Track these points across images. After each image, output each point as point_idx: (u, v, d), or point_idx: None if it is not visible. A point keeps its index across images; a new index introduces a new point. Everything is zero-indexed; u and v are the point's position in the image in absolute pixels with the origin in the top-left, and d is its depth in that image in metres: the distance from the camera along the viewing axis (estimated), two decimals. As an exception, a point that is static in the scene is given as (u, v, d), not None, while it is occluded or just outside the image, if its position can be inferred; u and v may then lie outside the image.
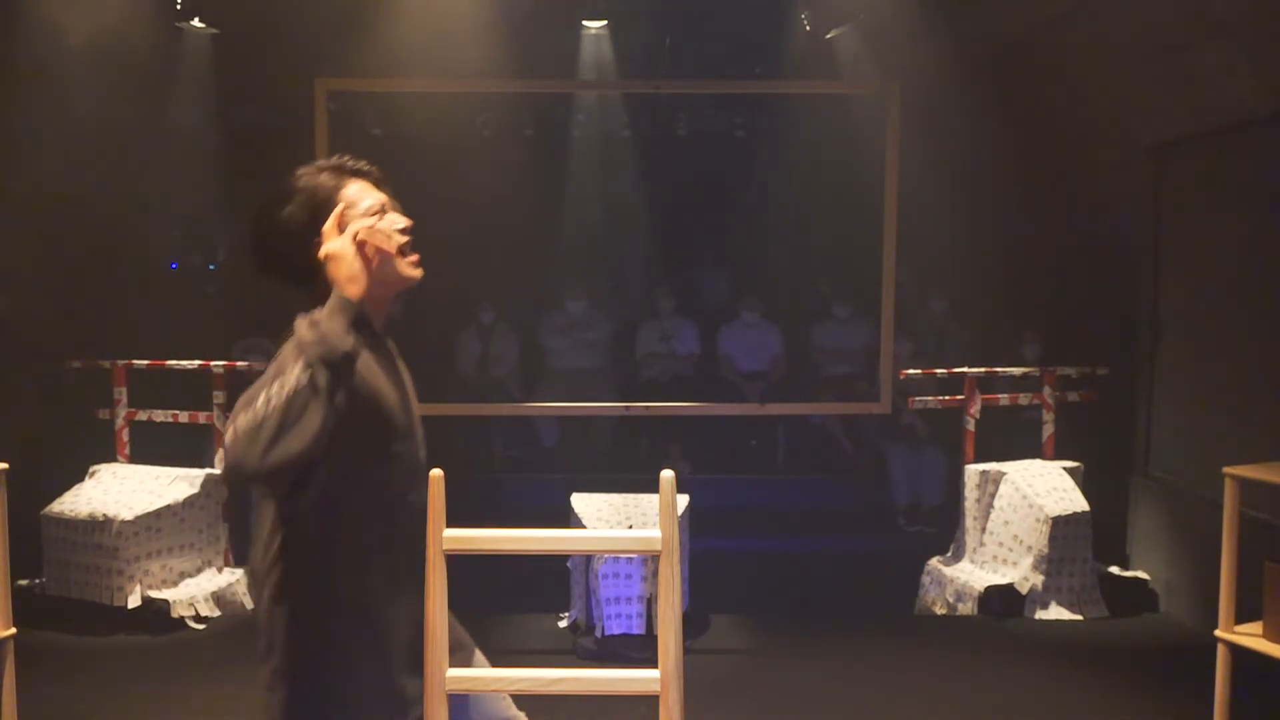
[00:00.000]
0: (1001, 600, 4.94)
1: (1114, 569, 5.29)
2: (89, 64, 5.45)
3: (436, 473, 2.21)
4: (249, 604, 5.11)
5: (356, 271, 1.73)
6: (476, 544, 2.24)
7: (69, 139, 5.69)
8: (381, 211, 1.88)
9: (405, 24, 5.70)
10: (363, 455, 1.81)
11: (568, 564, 4.83)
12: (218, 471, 5.20)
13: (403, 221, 1.88)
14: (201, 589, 4.94)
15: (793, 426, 6.91)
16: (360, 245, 1.81)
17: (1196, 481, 4.90)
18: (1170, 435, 5.29)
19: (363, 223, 1.83)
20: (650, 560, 4.40)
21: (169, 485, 4.99)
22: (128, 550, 4.70)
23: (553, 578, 4.90)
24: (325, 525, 1.79)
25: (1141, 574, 5.27)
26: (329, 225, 1.82)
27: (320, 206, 1.83)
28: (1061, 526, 4.89)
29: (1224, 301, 4.84)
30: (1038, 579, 4.92)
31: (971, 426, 5.29)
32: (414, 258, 1.90)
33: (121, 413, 5.26)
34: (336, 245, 1.74)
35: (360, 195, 1.87)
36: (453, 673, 2.19)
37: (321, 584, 1.80)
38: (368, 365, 1.84)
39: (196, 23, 6.33)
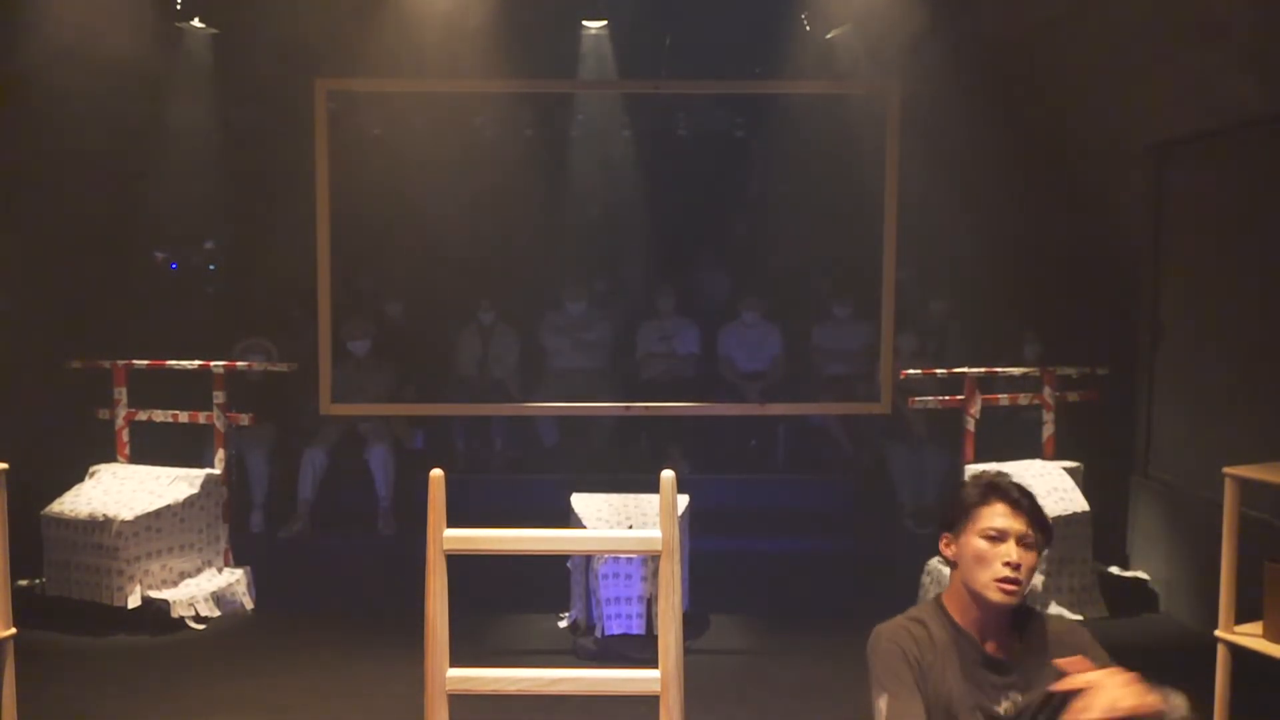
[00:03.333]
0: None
1: (1114, 569, 5.29)
2: (89, 64, 5.44)
3: (436, 473, 2.21)
4: (249, 604, 5.11)
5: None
6: (476, 544, 2.24)
7: (69, 139, 5.69)
8: (999, 539, 2.09)
9: (405, 24, 5.70)
10: None
11: (568, 564, 4.82)
12: (218, 471, 5.20)
13: (1011, 557, 2.07)
14: (201, 589, 4.93)
15: (793, 426, 6.90)
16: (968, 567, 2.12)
17: (1196, 481, 4.90)
18: (1170, 435, 5.29)
19: None
20: (650, 560, 4.40)
21: (169, 485, 4.99)
22: (128, 550, 4.70)
23: (553, 578, 4.90)
24: None
25: (1141, 574, 5.27)
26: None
27: (961, 512, 2.15)
28: (1061, 526, 4.89)
29: (1224, 301, 4.84)
30: (1038, 579, 4.92)
31: (971, 426, 5.29)
32: (1006, 586, 2.07)
33: (121, 413, 5.26)
34: None
35: (989, 519, 2.10)
36: (453, 673, 2.19)
37: None
38: (945, 664, 2.11)
39: (196, 23, 6.34)
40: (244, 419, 5.27)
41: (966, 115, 5.90)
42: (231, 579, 5.09)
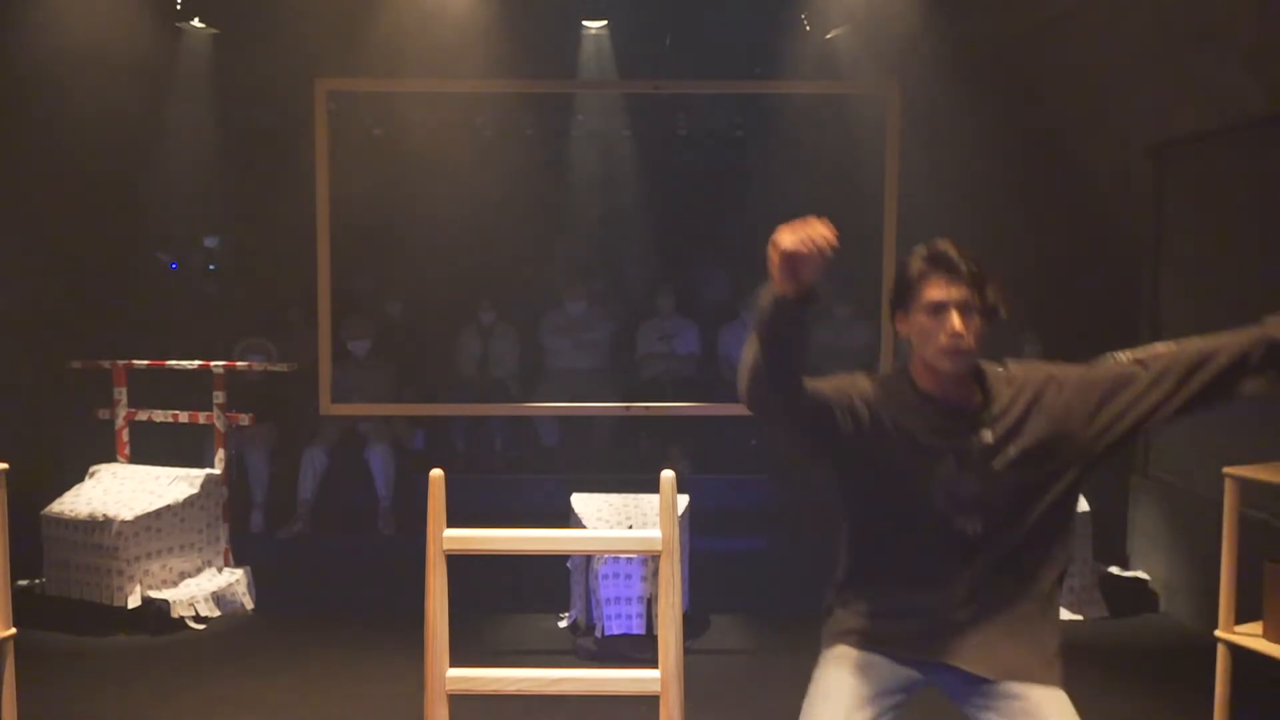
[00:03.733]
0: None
1: (1114, 569, 5.29)
2: (89, 64, 5.45)
3: (436, 473, 2.21)
4: (249, 604, 5.11)
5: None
6: (476, 544, 2.24)
7: (69, 139, 5.69)
8: (941, 311, 2.14)
9: (405, 24, 5.70)
10: (883, 471, 2.19)
11: (568, 564, 4.83)
12: (218, 471, 5.20)
13: (954, 328, 2.12)
14: (201, 589, 4.94)
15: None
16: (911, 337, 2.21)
17: (1196, 481, 4.90)
18: (1170, 435, 5.28)
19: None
20: (650, 560, 4.40)
21: (169, 485, 5.00)
22: (128, 550, 4.70)
23: (553, 578, 4.90)
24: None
25: (1141, 574, 5.27)
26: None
27: (905, 288, 2.19)
28: (1061, 526, 4.89)
29: (1224, 301, 4.83)
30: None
31: (971, 426, 5.28)
32: (953, 355, 2.15)
33: (121, 413, 5.26)
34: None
35: (930, 292, 2.15)
36: (453, 673, 2.19)
37: None
38: (900, 410, 2.17)
39: (196, 23, 6.34)
40: (244, 419, 5.27)
41: (966, 115, 5.90)
42: (231, 579, 5.09)
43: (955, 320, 2.12)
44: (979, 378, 2.25)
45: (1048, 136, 6.01)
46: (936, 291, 2.14)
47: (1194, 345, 2.15)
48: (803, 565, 5.79)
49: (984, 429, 2.19)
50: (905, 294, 2.19)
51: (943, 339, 2.13)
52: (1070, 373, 2.28)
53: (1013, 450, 2.17)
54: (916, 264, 2.18)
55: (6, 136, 5.57)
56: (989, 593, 2.16)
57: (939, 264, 2.15)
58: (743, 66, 6.67)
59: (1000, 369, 2.28)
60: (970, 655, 2.15)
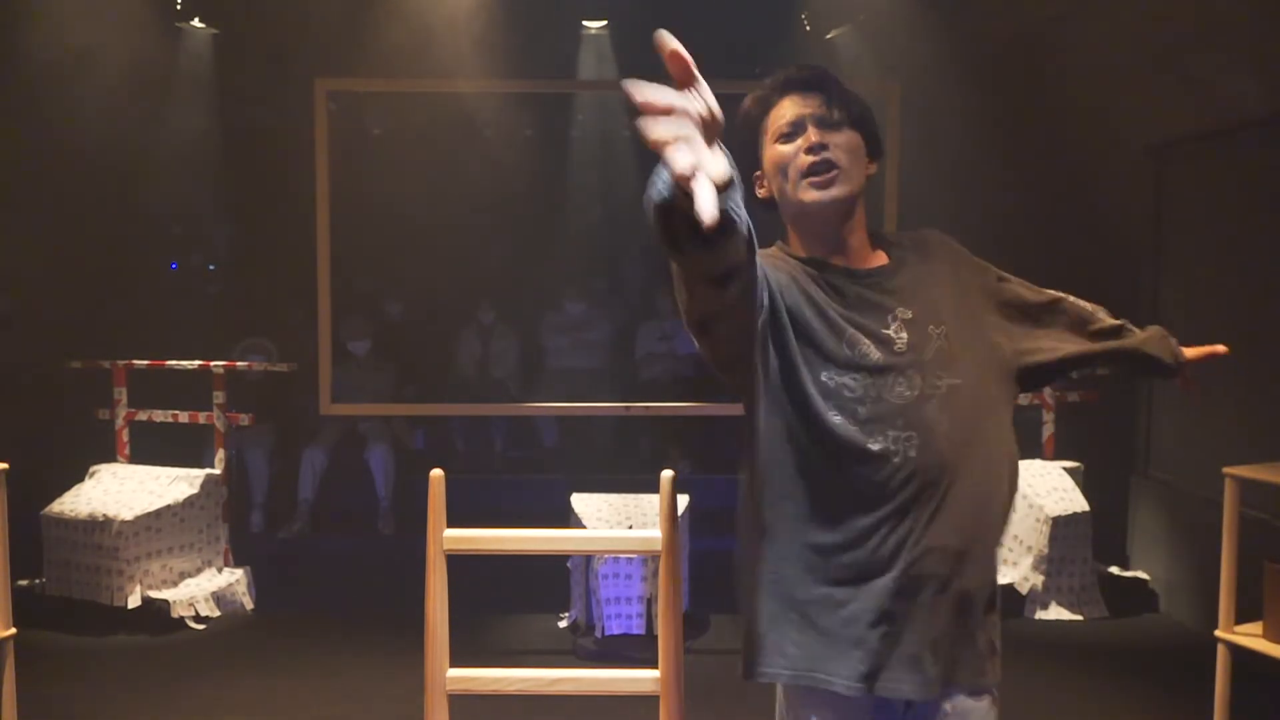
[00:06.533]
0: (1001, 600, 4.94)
1: (1114, 569, 5.29)
2: (89, 64, 5.45)
3: (436, 473, 2.21)
4: (249, 604, 5.11)
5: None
6: (476, 544, 2.24)
7: (69, 139, 5.70)
8: (794, 132, 1.64)
9: (405, 24, 5.70)
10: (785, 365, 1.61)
11: (568, 564, 4.83)
12: (218, 471, 5.20)
13: (813, 139, 1.62)
14: (201, 589, 4.94)
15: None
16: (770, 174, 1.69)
17: (1196, 481, 4.90)
18: (1170, 435, 5.29)
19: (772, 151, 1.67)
20: (650, 560, 4.40)
21: (169, 485, 5.00)
22: (128, 550, 4.70)
23: (553, 578, 4.90)
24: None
25: (1141, 574, 5.27)
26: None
27: (752, 135, 1.70)
28: (1061, 526, 4.89)
29: (1224, 301, 4.84)
30: (1038, 579, 4.92)
31: (971, 426, 5.28)
32: (815, 179, 1.62)
33: (121, 413, 5.26)
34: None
35: (779, 116, 1.66)
36: (453, 673, 2.19)
37: None
38: (801, 284, 1.62)
39: (196, 23, 6.34)
40: (244, 419, 5.27)
41: (966, 115, 5.90)
42: (231, 579, 5.09)
43: (812, 133, 1.62)
44: (878, 243, 1.70)
45: (1047, 137, 6.01)
46: (787, 111, 1.65)
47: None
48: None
49: (903, 307, 1.63)
50: (755, 141, 1.69)
51: (802, 158, 1.61)
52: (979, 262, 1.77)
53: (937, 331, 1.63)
54: (758, 100, 1.71)
55: (7, 136, 5.57)
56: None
57: (785, 85, 1.67)
58: (743, 66, 6.67)
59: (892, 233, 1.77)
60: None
